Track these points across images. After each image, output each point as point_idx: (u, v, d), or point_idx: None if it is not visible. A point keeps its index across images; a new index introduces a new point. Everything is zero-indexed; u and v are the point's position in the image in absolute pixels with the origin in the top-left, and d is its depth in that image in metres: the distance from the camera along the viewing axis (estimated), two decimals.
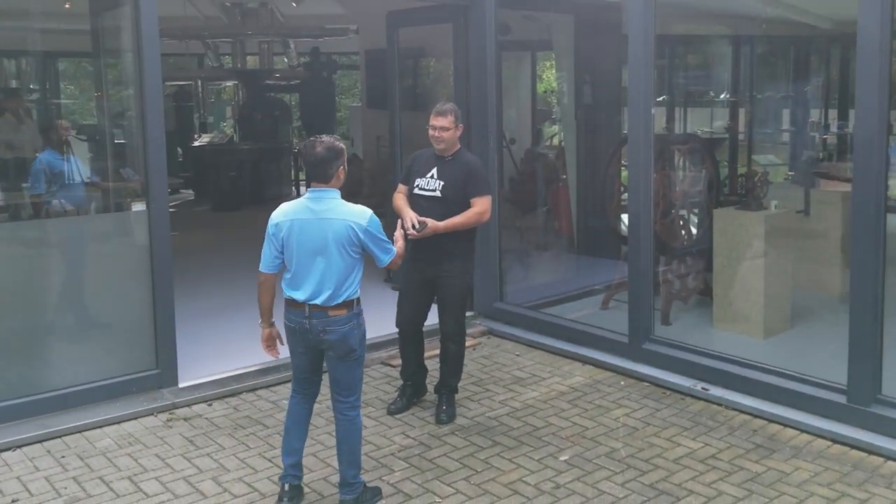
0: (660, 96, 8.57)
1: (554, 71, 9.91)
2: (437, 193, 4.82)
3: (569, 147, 8.42)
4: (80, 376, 5.12)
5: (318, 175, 3.81)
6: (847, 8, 4.88)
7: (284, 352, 4.11)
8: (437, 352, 5.17)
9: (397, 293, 5.23)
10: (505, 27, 7.65)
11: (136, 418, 5.00)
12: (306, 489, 4.15)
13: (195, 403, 5.22)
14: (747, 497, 4.03)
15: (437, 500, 4.07)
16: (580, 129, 8.35)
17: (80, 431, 4.83)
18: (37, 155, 8.34)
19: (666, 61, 8.84)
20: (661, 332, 5.88)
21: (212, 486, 4.22)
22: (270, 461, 4.48)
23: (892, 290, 4.62)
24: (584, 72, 8.35)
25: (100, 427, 4.88)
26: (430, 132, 4.83)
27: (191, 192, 13.85)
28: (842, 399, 4.68)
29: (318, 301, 3.78)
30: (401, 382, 5.26)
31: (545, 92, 11.49)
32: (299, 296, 3.81)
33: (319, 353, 3.94)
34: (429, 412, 5.07)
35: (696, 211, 6.93)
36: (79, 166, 6.39)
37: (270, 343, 4.04)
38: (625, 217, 6.37)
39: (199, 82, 15.79)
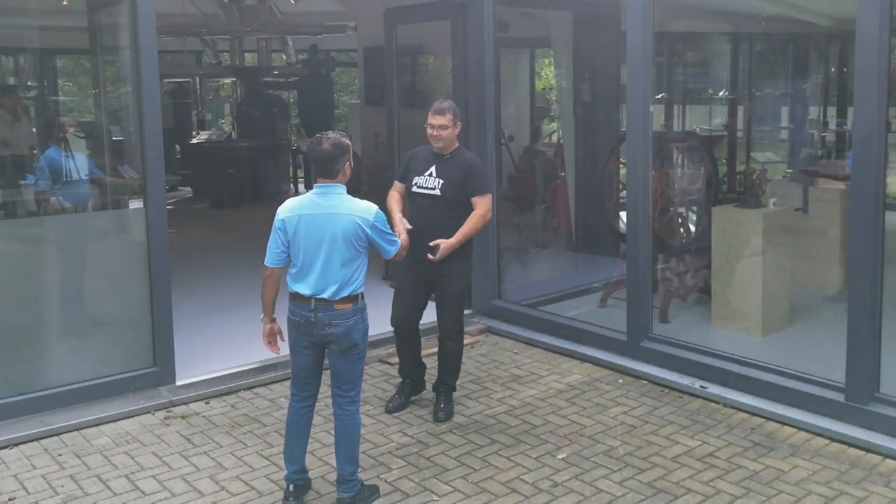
0: (658, 94, 8.56)
1: (553, 68, 9.89)
2: (437, 192, 4.80)
3: (567, 144, 8.41)
4: (77, 374, 5.11)
5: (325, 171, 3.85)
6: (846, 5, 4.88)
7: (283, 349, 4.10)
8: (435, 350, 5.17)
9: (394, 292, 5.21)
10: (503, 24, 7.63)
11: (133, 416, 4.99)
12: None
13: (193, 401, 5.22)
14: (745, 495, 4.03)
15: (435, 498, 4.06)
16: (579, 127, 8.34)
17: (77, 429, 4.82)
18: (35, 152, 8.34)
19: (665, 58, 8.83)
20: (660, 330, 5.88)
21: (209, 485, 4.21)
22: (268, 459, 4.47)
23: (891, 288, 4.62)
24: (582, 69, 8.33)
25: (97, 425, 4.87)
26: (429, 131, 4.80)
27: (189, 189, 13.84)
28: (840, 397, 4.67)
29: (324, 295, 3.80)
30: (399, 381, 5.25)
31: (544, 89, 11.48)
32: (305, 289, 3.82)
33: (321, 349, 3.94)
34: (426, 410, 5.07)
35: (694, 209, 6.92)
36: (79, 164, 6.36)
37: (271, 338, 4.04)
38: (623, 215, 6.37)
39: (198, 79, 15.79)
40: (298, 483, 4.01)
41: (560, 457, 4.46)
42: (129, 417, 4.98)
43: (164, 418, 5.00)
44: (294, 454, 3.99)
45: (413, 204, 4.86)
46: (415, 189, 4.88)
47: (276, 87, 15.32)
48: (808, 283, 6.69)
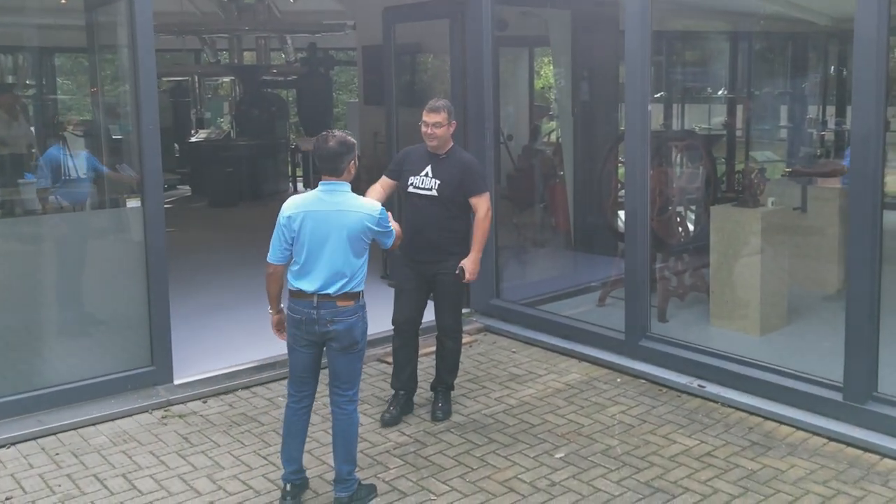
0: (657, 93, 8.56)
1: (551, 67, 9.88)
2: (433, 192, 4.77)
3: (566, 144, 8.40)
4: (74, 373, 5.10)
5: (330, 169, 3.87)
6: (845, 4, 4.87)
7: (281, 348, 4.10)
8: (433, 349, 5.15)
9: (393, 291, 5.16)
10: (502, 23, 7.62)
11: (130, 415, 4.99)
12: None
13: (190, 400, 5.21)
14: (743, 495, 4.02)
15: (433, 497, 4.06)
16: (577, 126, 8.33)
17: (74, 428, 4.81)
18: (33, 151, 8.32)
19: (664, 57, 8.83)
20: (658, 329, 5.88)
21: (206, 484, 4.21)
22: (265, 458, 4.47)
23: (889, 287, 4.61)
24: (581, 68, 8.33)
25: (94, 424, 4.87)
26: (423, 129, 4.77)
27: (188, 188, 13.83)
28: (838, 396, 4.67)
29: (330, 290, 3.80)
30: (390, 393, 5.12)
31: (543, 88, 11.47)
32: (309, 286, 3.82)
33: (320, 348, 3.94)
34: (424, 409, 5.06)
35: (693, 208, 6.92)
36: (78, 162, 6.35)
37: (281, 327, 4.05)
38: (622, 214, 6.36)
39: (196, 78, 15.76)
40: (296, 483, 4.01)
41: (558, 456, 4.46)
42: (126, 416, 4.97)
43: (162, 417, 4.99)
44: (292, 455, 3.99)
45: (409, 204, 4.83)
46: (411, 189, 4.83)
47: (275, 85, 15.31)
48: (806, 282, 6.68)
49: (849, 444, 4.48)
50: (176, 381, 5.33)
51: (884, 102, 4.39)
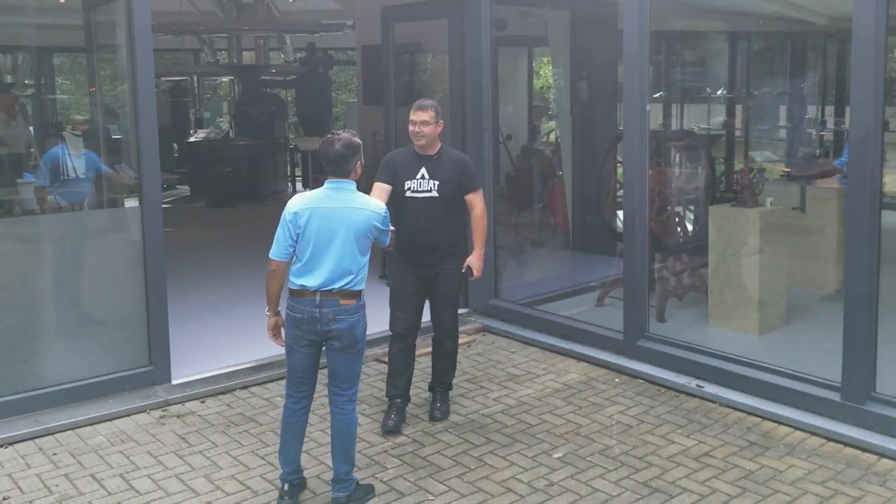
0: (656, 93, 8.55)
1: (550, 67, 9.88)
2: (434, 193, 4.72)
3: (565, 143, 8.40)
4: (72, 373, 5.10)
5: (338, 171, 3.90)
6: (843, 4, 4.86)
7: (281, 347, 4.09)
8: (429, 350, 5.14)
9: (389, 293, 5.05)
10: (501, 22, 7.61)
11: (128, 415, 4.98)
12: None
13: (188, 401, 5.21)
14: (741, 495, 4.02)
15: (430, 497, 4.05)
16: (576, 126, 8.33)
17: (72, 428, 4.81)
18: (32, 150, 8.31)
19: (662, 57, 8.82)
20: (657, 329, 5.88)
21: (204, 484, 4.20)
22: (263, 458, 4.46)
23: (887, 287, 4.61)
24: (580, 68, 8.33)
25: (92, 424, 4.87)
26: (411, 127, 4.71)
27: (186, 188, 13.82)
28: (836, 396, 4.67)
29: (334, 286, 3.81)
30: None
31: (542, 88, 11.47)
32: (312, 281, 3.82)
33: (319, 348, 3.94)
34: (422, 409, 5.06)
35: (691, 208, 6.92)
36: (76, 162, 6.33)
37: (276, 331, 4.04)
38: (620, 214, 6.36)
39: (195, 78, 15.75)
40: (294, 482, 4.01)
41: (556, 456, 4.45)
42: (124, 416, 4.97)
43: (160, 417, 4.99)
44: (290, 455, 3.99)
45: (405, 208, 4.73)
46: (409, 194, 4.72)
47: (274, 85, 15.31)
48: (805, 282, 6.68)
49: (847, 445, 4.48)
50: (174, 381, 5.33)
51: (882, 102, 4.39)
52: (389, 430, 4.73)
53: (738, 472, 4.24)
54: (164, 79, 15.17)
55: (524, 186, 8.94)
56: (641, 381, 5.45)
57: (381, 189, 4.74)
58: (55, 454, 4.53)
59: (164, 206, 5.63)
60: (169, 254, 5.45)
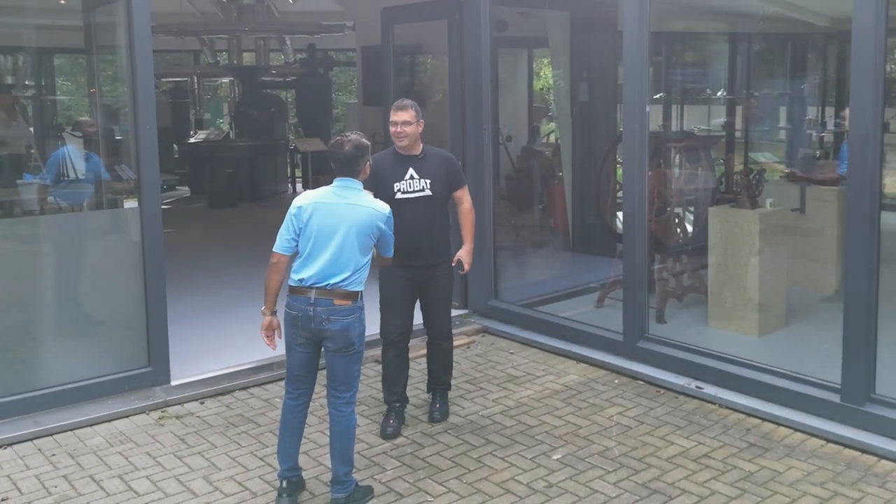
0: (656, 94, 8.55)
1: (550, 68, 9.88)
2: (427, 192, 4.71)
3: (565, 144, 8.40)
4: (71, 374, 5.10)
5: (347, 171, 3.96)
6: (843, 5, 4.86)
7: (280, 349, 4.09)
8: (423, 352, 5.12)
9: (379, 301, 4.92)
10: (501, 23, 7.61)
11: (127, 416, 4.98)
12: None
13: (187, 401, 5.20)
14: (740, 496, 4.02)
15: (429, 498, 4.05)
16: (576, 127, 8.33)
17: (71, 429, 4.81)
18: (32, 151, 8.31)
19: (663, 58, 8.82)
20: (656, 330, 5.87)
21: (203, 485, 4.20)
22: (262, 460, 4.46)
23: (887, 288, 4.60)
24: (580, 69, 8.33)
25: (91, 425, 4.86)
26: (392, 129, 4.66)
27: (186, 188, 13.82)
28: (835, 398, 4.66)
29: (332, 281, 3.81)
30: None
31: (542, 89, 11.47)
32: (309, 274, 3.83)
33: (317, 346, 3.93)
34: (421, 411, 5.06)
35: (691, 209, 6.91)
36: (76, 163, 6.34)
37: (270, 332, 4.03)
38: (620, 215, 6.35)
39: (196, 79, 15.76)
40: (292, 480, 4.01)
41: (555, 457, 4.45)
42: (123, 417, 4.96)
43: (159, 418, 4.99)
44: (287, 452, 3.99)
45: (400, 212, 4.58)
46: (399, 196, 4.63)
47: (275, 86, 15.31)
48: (804, 283, 6.68)
49: (846, 446, 4.47)
50: (173, 382, 5.33)
51: (882, 103, 4.38)
52: (389, 436, 4.71)
53: (737, 473, 4.24)
54: (164, 80, 15.17)
55: (524, 187, 8.94)
56: (641, 382, 5.44)
57: None
58: (54, 455, 4.53)
59: (163, 206, 5.64)
60: (169, 254, 5.45)
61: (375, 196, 4.45)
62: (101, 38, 6.40)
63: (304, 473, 4.20)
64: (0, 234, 5.33)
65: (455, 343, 5.99)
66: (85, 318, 5.37)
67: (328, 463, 4.10)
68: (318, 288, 3.82)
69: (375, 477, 4.25)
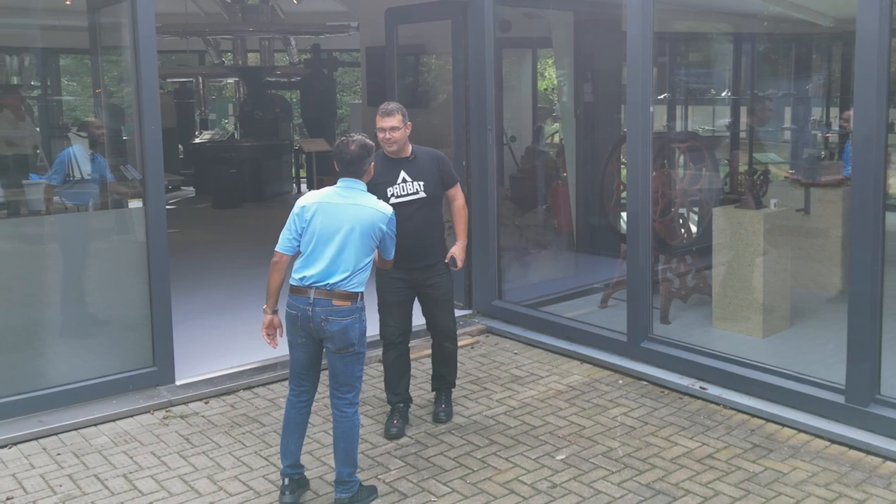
0: (660, 94, 8.54)
1: (554, 68, 9.88)
2: (421, 194, 4.68)
3: (569, 145, 8.40)
4: (76, 373, 5.11)
5: (352, 172, 3.98)
6: (848, 5, 4.86)
7: (283, 349, 4.09)
8: (428, 353, 5.12)
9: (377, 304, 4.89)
10: (505, 24, 7.62)
11: (132, 416, 5.00)
12: None
13: (192, 401, 5.22)
14: (744, 497, 4.01)
15: (433, 499, 4.05)
16: (580, 127, 8.33)
17: (76, 429, 4.82)
18: (38, 151, 8.34)
19: (667, 59, 8.81)
20: (660, 330, 5.87)
21: (207, 485, 4.21)
22: (266, 459, 4.47)
23: (891, 289, 4.60)
24: (584, 69, 8.32)
25: (96, 424, 4.88)
26: (380, 135, 4.59)
27: (191, 189, 13.86)
28: (840, 399, 4.65)
29: (331, 281, 3.82)
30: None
31: (546, 89, 11.47)
32: (310, 273, 3.84)
33: (318, 345, 3.94)
34: (425, 410, 5.06)
35: (695, 209, 6.91)
36: (82, 163, 6.36)
37: (271, 331, 4.04)
38: (624, 215, 6.35)
39: (200, 79, 15.81)
40: (294, 477, 4.02)
41: (559, 458, 4.45)
42: (128, 417, 4.98)
43: (163, 418, 5.00)
44: (289, 449, 4.00)
45: (396, 215, 4.56)
46: (394, 201, 4.57)
47: (279, 87, 15.34)
48: (809, 283, 6.67)
49: (851, 447, 4.47)
50: (178, 382, 5.34)
51: (886, 103, 4.38)
52: (393, 436, 4.72)
53: (741, 474, 4.23)
54: (169, 80, 15.22)
55: (528, 188, 8.94)
56: (645, 382, 5.44)
57: None
58: (59, 454, 4.55)
59: (168, 206, 5.65)
60: (173, 254, 5.46)
61: None
62: (106, 38, 6.42)
63: (308, 473, 4.21)
64: (6, 234, 5.36)
65: (459, 343, 6.00)
66: (90, 317, 5.38)
67: (332, 463, 4.11)
68: (317, 287, 3.83)
69: (379, 477, 4.26)
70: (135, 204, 5.29)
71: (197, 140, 14.24)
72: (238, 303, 6.92)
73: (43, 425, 4.79)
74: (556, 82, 9.90)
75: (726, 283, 6.19)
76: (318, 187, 4.06)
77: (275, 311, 4.02)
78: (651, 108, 5.50)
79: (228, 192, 12.39)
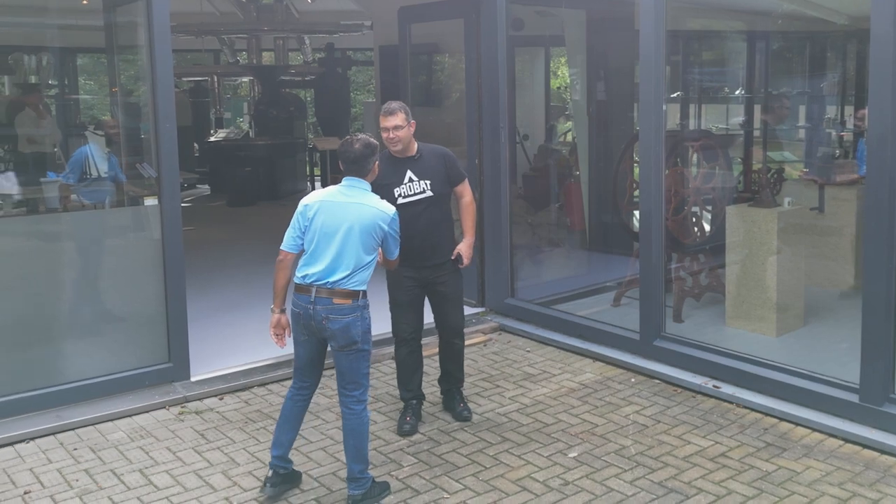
0: (673, 92, 8.51)
1: (567, 67, 9.87)
2: (428, 193, 4.67)
3: (581, 143, 8.40)
4: (93, 369, 5.17)
5: (356, 170, 4.00)
6: (862, 3, 4.83)
7: (290, 345, 4.13)
8: (436, 351, 5.12)
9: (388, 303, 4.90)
10: (518, 22, 7.62)
11: (148, 411, 5.05)
12: (314, 483, 4.19)
13: (207, 397, 5.26)
14: (757, 496, 4.01)
15: (445, 495, 4.07)
16: (593, 125, 8.32)
17: (92, 424, 4.88)
18: (56, 149, 8.42)
19: (680, 57, 8.78)
20: (673, 329, 5.86)
21: (222, 480, 4.25)
22: None
23: None
24: (597, 67, 8.32)
25: (112, 420, 4.93)
26: (384, 134, 4.57)
27: (207, 187, 13.94)
28: (854, 398, 4.64)
29: (331, 279, 3.85)
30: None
31: (558, 88, 11.46)
32: (312, 270, 3.87)
33: (322, 344, 3.98)
34: (438, 407, 5.08)
35: (708, 208, 6.89)
36: (99, 161, 6.42)
37: (278, 330, 4.08)
38: (637, 213, 6.35)
39: (216, 78, 15.90)
40: (279, 471, 4.04)
41: (571, 455, 4.46)
42: (143, 412, 5.03)
43: (179, 413, 5.05)
44: (280, 440, 4.03)
45: (403, 215, 4.53)
46: (402, 201, 4.59)
47: (293, 85, 15.41)
48: (823, 282, 6.64)
49: (865, 446, 4.45)
50: (193, 378, 5.39)
51: None
52: (406, 433, 4.74)
53: (754, 472, 4.23)
54: (184, 79, 15.31)
55: (541, 186, 8.94)
56: (658, 381, 5.44)
57: None
58: (76, 449, 4.60)
59: (183, 204, 5.69)
60: (188, 252, 5.50)
61: None
62: (121, 37, 6.47)
63: (321, 469, 4.24)
64: (25, 231, 5.42)
65: (471, 341, 6.04)
66: (106, 314, 5.44)
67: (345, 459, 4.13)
68: (318, 286, 3.86)
69: (392, 473, 4.28)
70: (150, 202, 5.34)
71: (212, 138, 14.32)
72: (252, 300, 6.96)
73: (60, 420, 4.85)
74: (568, 80, 9.88)
75: (740, 282, 6.17)
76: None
77: (282, 311, 4.06)
78: (664, 107, 5.49)
79: (243, 190, 12.47)
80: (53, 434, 4.75)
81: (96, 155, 6.23)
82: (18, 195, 7.18)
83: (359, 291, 3.90)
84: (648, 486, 4.12)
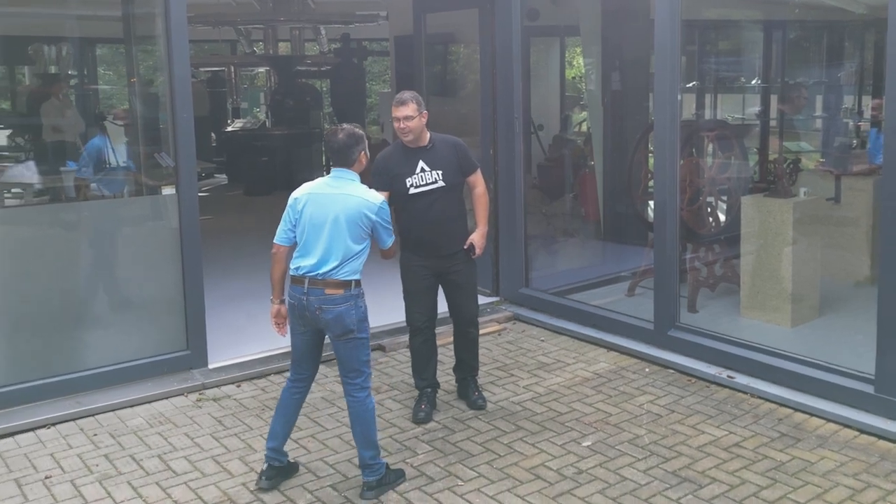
0: (690, 82, 8.48)
1: (582, 57, 9.84)
2: (441, 183, 4.67)
3: (596, 133, 8.38)
4: (112, 356, 5.23)
5: (341, 160, 4.01)
6: None
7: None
8: (450, 340, 5.14)
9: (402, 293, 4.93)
10: (533, 12, 7.61)
11: (166, 398, 5.11)
12: (330, 470, 4.23)
13: (224, 384, 5.32)
14: (771, 486, 4.02)
15: (460, 483, 4.11)
16: (608, 115, 8.30)
17: (112, 410, 4.95)
18: (78, 139, 8.48)
19: (696, 47, 8.74)
20: (687, 319, 5.86)
21: (239, 466, 4.31)
22: (296, 442, 4.55)
23: None
24: (612, 57, 8.29)
25: (131, 406, 5.00)
26: (395, 124, 4.59)
27: (224, 176, 14.02)
28: (869, 389, 4.63)
29: (321, 270, 3.89)
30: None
31: (573, 78, 11.42)
32: (304, 263, 3.92)
33: (318, 335, 4.03)
34: (453, 396, 5.12)
35: (724, 198, 6.87)
36: (118, 152, 6.49)
37: (279, 320, 4.16)
38: (651, 203, 6.34)
39: (232, 68, 15.94)
40: (273, 464, 4.08)
41: (585, 444, 4.48)
42: (162, 399, 5.10)
43: (197, 400, 5.11)
44: (276, 430, 4.08)
45: (415, 205, 4.66)
46: (413, 191, 4.62)
47: (309, 76, 15.43)
48: (839, 273, 6.61)
49: (880, 437, 4.44)
50: (210, 366, 5.45)
51: None
52: (420, 421, 4.78)
53: (768, 463, 4.24)
54: (201, 69, 15.37)
55: (555, 176, 8.94)
56: (672, 370, 5.45)
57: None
58: (96, 435, 4.67)
59: (201, 194, 5.74)
60: (206, 241, 5.56)
61: (390, 193, 4.58)
62: (139, 28, 6.52)
63: (337, 456, 4.29)
64: (45, 220, 5.48)
65: (486, 330, 6.06)
66: (125, 302, 5.50)
67: None
68: (310, 277, 3.91)
69: (407, 461, 4.32)
70: (168, 191, 5.39)
71: (229, 128, 14.38)
72: (268, 289, 6.92)
73: (80, 406, 4.92)
74: (583, 71, 9.85)
75: (755, 273, 6.16)
76: None
77: (282, 301, 4.12)
78: (679, 97, 5.48)
79: (260, 179, 12.52)
80: (74, 420, 4.82)
81: (110, 145, 6.29)
82: (39, 184, 7.26)
83: (350, 281, 3.92)
84: (662, 475, 4.14)
